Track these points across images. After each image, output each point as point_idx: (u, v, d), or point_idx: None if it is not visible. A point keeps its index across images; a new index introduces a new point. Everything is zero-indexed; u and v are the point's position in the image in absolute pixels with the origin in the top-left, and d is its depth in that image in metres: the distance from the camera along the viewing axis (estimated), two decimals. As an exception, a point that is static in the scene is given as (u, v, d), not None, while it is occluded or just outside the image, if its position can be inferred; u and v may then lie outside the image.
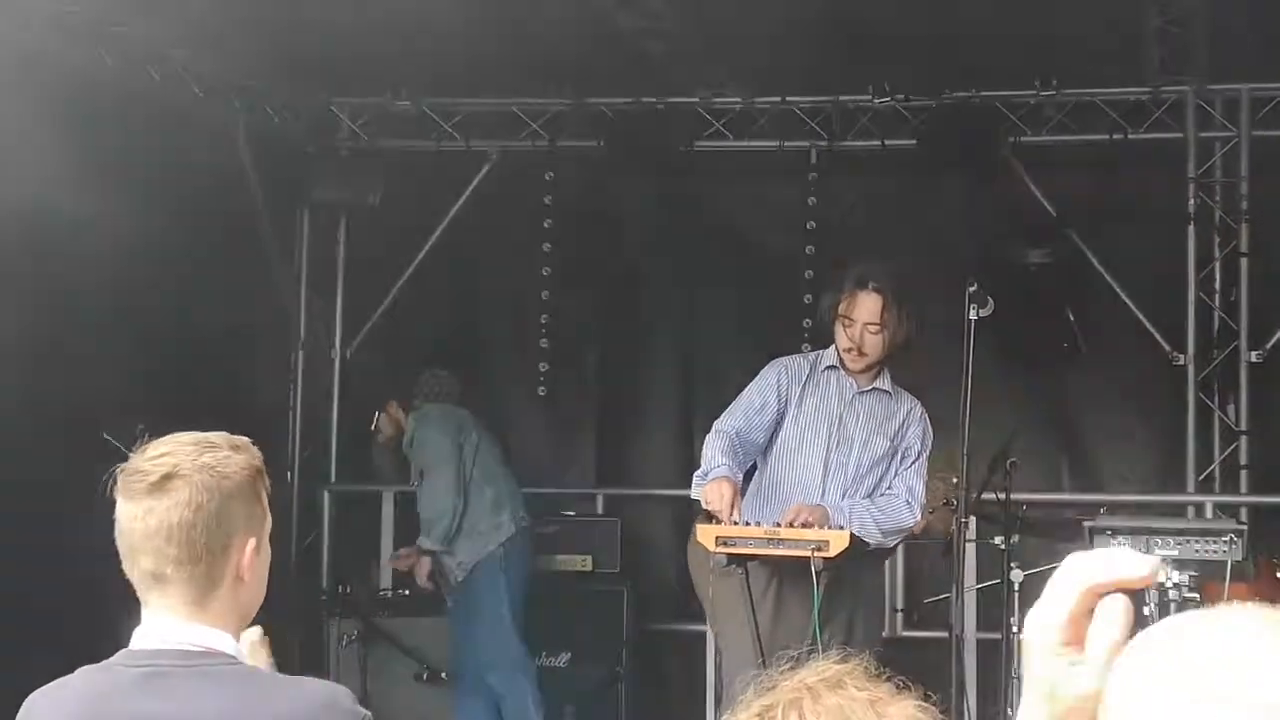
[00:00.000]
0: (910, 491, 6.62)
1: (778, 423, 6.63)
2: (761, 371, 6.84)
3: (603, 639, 9.52)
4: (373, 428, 9.19)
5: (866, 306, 6.58)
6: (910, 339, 6.65)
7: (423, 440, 8.94)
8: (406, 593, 9.42)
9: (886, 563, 7.59)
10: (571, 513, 9.87)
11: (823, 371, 6.71)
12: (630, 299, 10.56)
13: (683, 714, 9.75)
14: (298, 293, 10.40)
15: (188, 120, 8.89)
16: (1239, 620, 1.60)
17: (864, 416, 6.68)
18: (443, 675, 9.05)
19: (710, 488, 6.18)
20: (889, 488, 6.66)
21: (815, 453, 6.62)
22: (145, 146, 8.23)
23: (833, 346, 6.75)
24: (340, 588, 9.39)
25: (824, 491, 6.56)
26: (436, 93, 10.07)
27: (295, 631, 9.21)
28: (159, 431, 2.98)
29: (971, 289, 6.53)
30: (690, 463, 10.29)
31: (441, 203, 10.38)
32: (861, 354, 6.59)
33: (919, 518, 6.71)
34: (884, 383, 6.74)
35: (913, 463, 6.69)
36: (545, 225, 10.39)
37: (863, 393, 6.71)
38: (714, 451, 6.40)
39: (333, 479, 10.46)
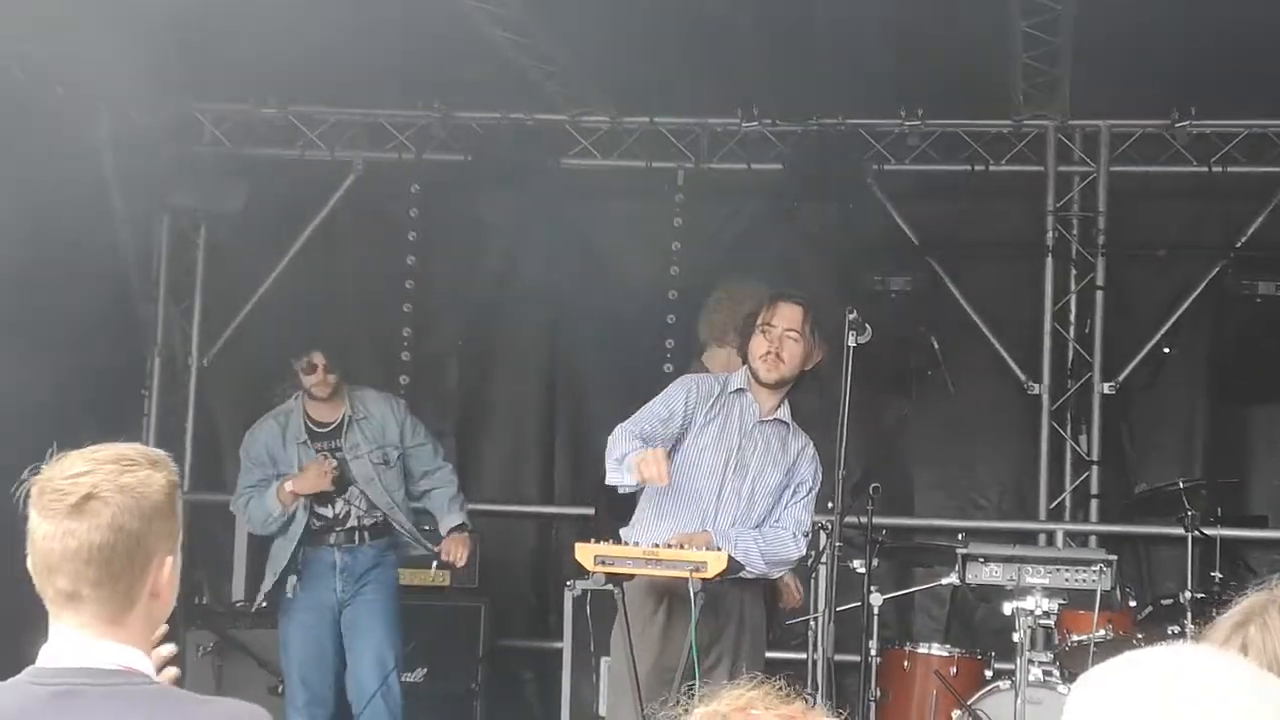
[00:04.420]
0: (797, 524, 6.68)
1: (679, 439, 6.64)
2: (670, 385, 6.88)
3: (459, 655, 9.46)
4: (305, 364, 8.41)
5: (787, 315, 6.66)
6: (819, 365, 6.71)
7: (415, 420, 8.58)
8: (263, 604, 9.28)
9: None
10: (428, 527, 9.78)
11: (730, 394, 6.73)
12: (493, 314, 10.52)
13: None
14: (155, 298, 10.25)
15: (48, 119, 8.73)
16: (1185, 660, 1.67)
17: (761, 446, 6.71)
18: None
19: (644, 457, 6.21)
20: (777, 520, 6.69)
21: (712, 476, 6.63)
22: (2, 144, 8.06)
23: (742, 369, 6.77)
24: (195, 598, 9.24)
25: (715, 516, 6.58)
26: (303, 101, 9.99)
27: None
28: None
29: (851, 316, 6.61)
30: (550, 479, 10.36)
31: (304, 212, 10.28)
32: (780, 359, 6.63)
33: (803, 551, 6.76)
34: (784, 413, 6.77)
35: (803, 497, 6.74)
36: (409, 238, 10.33)
37: (764, 422, 6.72)
38: (626, 441, 6.42)
39: (186, 488, 10.28)
